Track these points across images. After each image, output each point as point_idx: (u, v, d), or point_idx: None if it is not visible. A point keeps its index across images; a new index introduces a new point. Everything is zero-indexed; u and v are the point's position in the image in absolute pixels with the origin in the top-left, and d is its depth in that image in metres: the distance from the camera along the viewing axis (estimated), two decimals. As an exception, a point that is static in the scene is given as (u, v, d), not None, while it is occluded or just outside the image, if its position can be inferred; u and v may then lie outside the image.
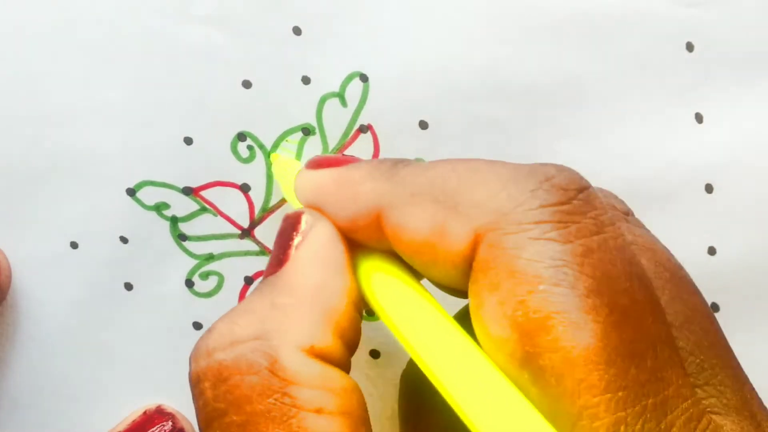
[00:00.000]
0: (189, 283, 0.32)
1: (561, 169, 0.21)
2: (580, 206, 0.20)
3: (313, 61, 0.31)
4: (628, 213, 0.23)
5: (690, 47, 0.31)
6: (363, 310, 0.23)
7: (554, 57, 0.31)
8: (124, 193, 0.31)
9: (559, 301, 0.18)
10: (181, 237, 0.32)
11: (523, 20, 0.31)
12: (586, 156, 0.31)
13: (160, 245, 0.32)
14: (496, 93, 0.31)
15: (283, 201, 0.32)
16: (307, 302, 0.22)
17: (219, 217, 0.32)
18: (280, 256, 0.23)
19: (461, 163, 0.22)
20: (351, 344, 0.22)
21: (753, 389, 0.21)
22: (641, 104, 0.31)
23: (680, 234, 0.32)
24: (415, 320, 0.21)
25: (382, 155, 0.31)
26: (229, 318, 0.22)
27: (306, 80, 0.31)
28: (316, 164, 0.25)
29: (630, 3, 0.31)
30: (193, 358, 0.22)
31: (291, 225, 0.24)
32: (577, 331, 0.18)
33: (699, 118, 0.31)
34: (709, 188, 0.31)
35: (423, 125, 0.31)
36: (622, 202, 0.23)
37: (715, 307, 0.32)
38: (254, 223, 0.32)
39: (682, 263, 0.31)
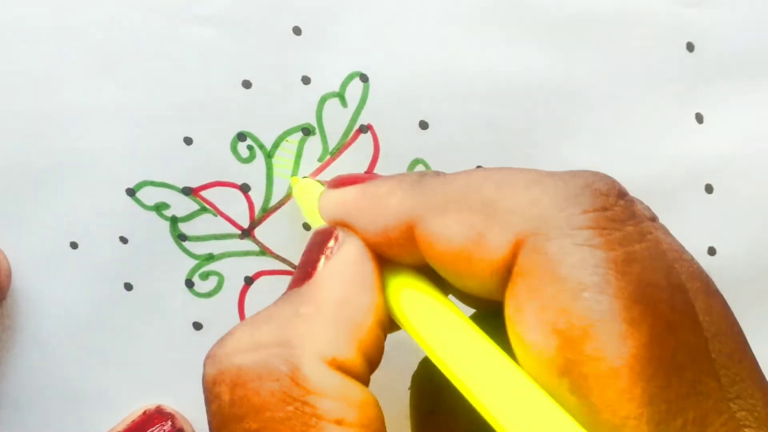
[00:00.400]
0: (189, 283, 0.32)
1: (599, 175, 0.21)
2: (621, 213, 0.20)
3: (313, 61, 0.31)
4: (654, 219, 0.23)
5: (690, 47, 0.31)
6: (387, 329, 0.23)
7: (554, 57, 0.31)
8: (124, 193, 0.31)
9: (603, 309, 0.18)
10: (181, 237, 0.32)
11: (523, 20, 0.31)
12: (586, 156, 0.31)
13: (160, 245, 0.32)
14: (496, 93, 0.31)
15: (283, 201, 0.32)
16: (332, 314, 0.21)
17: (219, 217, 0.32)
18: (308, 268, 0.23)
19: (493, 171, 0.21)
20: (373, 361, 0.22)
21: None
22: (641, 104, 0.31)
23: (680, 234, 0.31)
24: (446, 336, 0.21)
25: (382, 155, 0.31)
26: (251, 323, 0.22)
27: (306, 80, 0.31)
28: (339, 183, 0.25)
29: (630, 3, 0.31)
30: (209, 360, 0.21)
31: (321, 239, 0.24)
32: (621, 341, 0.18)
33: (699, 118, 0.31)
34: (709, 188, 0.31)
35: (423, 125, 0.31)
36: (647, 207, 0.23)
37: (715, 307, 0.32)
38: (254, 223, 0.32)
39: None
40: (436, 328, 0.21)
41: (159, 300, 0.32)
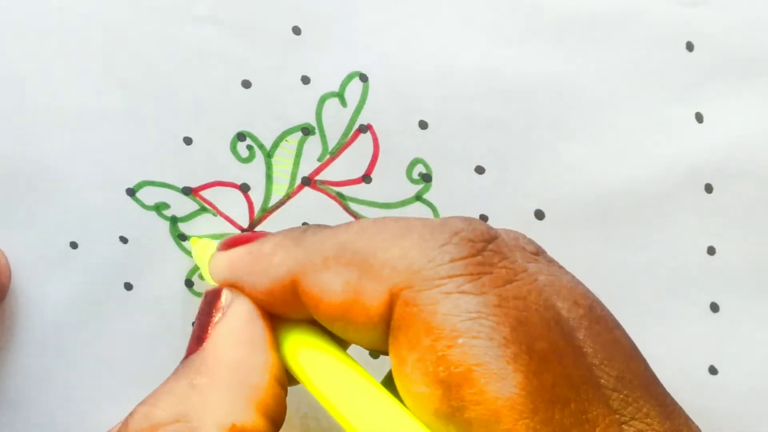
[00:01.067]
0: (189, 283, 0.32)
1: (468, 221, 0.21)
2: (490, 256, 0.20)
3: (312, 61, 0.31)
4: (538, 253, 0.23)
5: (690, 47, 0.31)
6: (287, 384, 0.23)
7: (554, 57, 0.31)
8: (124, 193, 0.31)
9: (479, 353, 0.18)
10: (181, 237, 0.32)
11: (523, 20, 0.31)
12: (585, 155, 0.31)
13: (160, 245, 0.32)
14: (496, 93, 0.31)
15: (283, 201, 0.32)
16: (226, 380, 0.22)
17: (219, 217, 0.32)
18: (200, 334, 0.23)
19: (370, 224, 0.22)
20: (276, 420, 0.22)
21: (681, 413, 0.21)
22: (641, 104, 0.31)
23: (680, 234, 0.32)
24: (341, 389, 0.21)
25: (381, 155, 0.31)
26: (150, 401, 0.22)
27: (306, 80, 0.31)
28: (228, 245, 0.25)
29: (630, 3, 0.31)
30: None
31: (210, 302, 0.24)
32: (499, 382, 0.18)
33: (699, 118, 0.31)
34: (709, 188, 0.31)
35: (423, 125, 0.31)
36: (531, 242, 0.23)
37: (715, 307, 0.32)
38: (254, 223, 0.32)
39: (681, 263, 0.32)
40: (330, 380, 0.21)
41: (159, 300, 0.32)
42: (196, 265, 0.32)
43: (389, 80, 0.31)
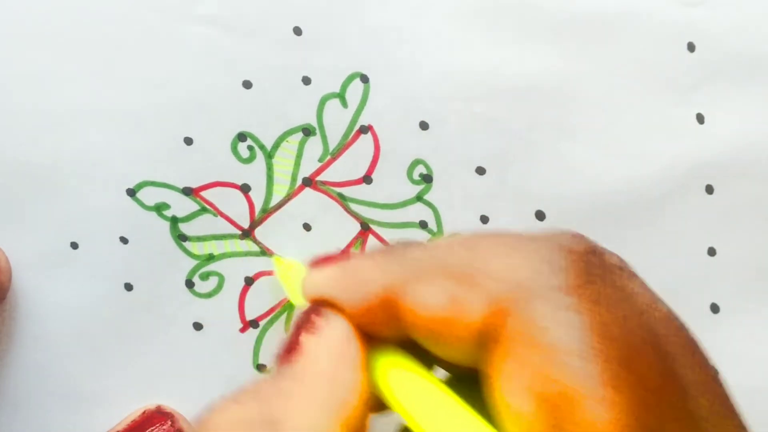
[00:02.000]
0: (189, 284, 0.32)
1: (574, 236, 0.21)
2: (596, 274, 0.20)
3: (313, 62, 0.31)
4: (633, 275, 0.23)
5: (691, 47, 0.31)
6: (372, 408, 0.23)
7: (554, 57, 0.31)
8: (124, 194, 0.31)
9: (582, 373, 0.18)
10: (181, 237, 0.32)
11: (523, 20, 0.31)
12: (586, 156, 0.31)
13: (160, 245, 0.32)
14: (496, 93, 0.31)
15: (283, 201, 0.32)
16: (316, 392, 0.22)
17: (219, 217, 0.32)
18: (293, 346, 0.23)
19: (469, 238, 0.22)
20: None
21: None
22: (641, 104, 0.31)
23: (680, 234, 0.32)
24: (433, 412, 0.21)
25: (382, 155, 0.31)
26: (238, 398, 0.22)
27: (306, 80, 0.31)
28: (320, 263, 0.25)
29: (630, 3, 0.31)
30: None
31: (306, 318, 0.24)
32: (600, 405, 0.18)
33: (700, 118, 0.31)
34: (709, 189, 0.31)
35: (423, 125, 0.31)
36: (621, 260, 0.23)
37: (715, 308, 0.32)
38: (254, 223, 0.32)
39: (681, 263, 0.32)
40: (421, 404, 0.21)
41: (159, 300, 0.32)
42: (196, 266, 0.32)
43: (390, 81, 0.31)
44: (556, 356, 0.18)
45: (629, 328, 0.19)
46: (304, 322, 0.24)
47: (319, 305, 0.24)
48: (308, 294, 0.25)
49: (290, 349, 0.23)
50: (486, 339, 0.20)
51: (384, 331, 0.23)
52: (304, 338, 0.23)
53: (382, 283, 0.22)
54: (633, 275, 0.22)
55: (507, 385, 0.19)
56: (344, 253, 0.26)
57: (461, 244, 0.21)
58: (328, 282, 0.24)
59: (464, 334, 0.20)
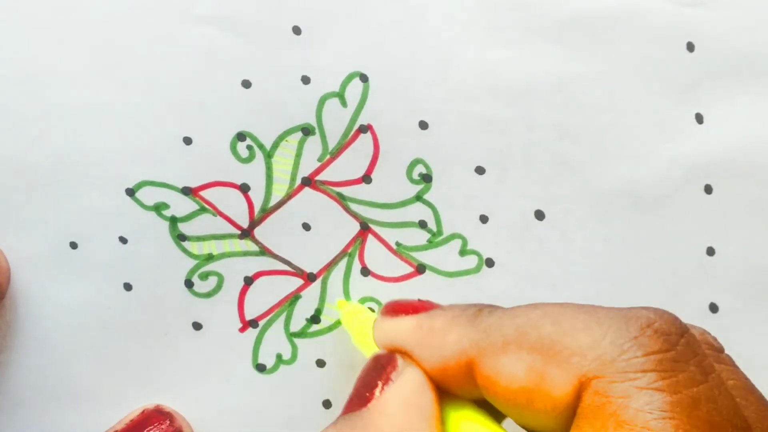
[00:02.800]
0: (188, 284, 0.32)
1: (660, 313, 0.21)
2: (683, 353, 0.20)
3: (313, 61, 0.31)
4: (721, 350, 0.23)
5: (690, 47, 0.31)
6: None
7: (554, 57, 0.31)
8: (124, 193, 0.31)
9: None
10: (181, 237, 0.32)
11: (523, 20, 0.31)
12: (586, 156, 0.31)
13: (160, 245, 0.32)
14: (496, 93, 0.31)
15: (283, 201, 0.32)
16: None
17: (218, 217, 0.32)
18: (365, 393, 0.23)
19: (552, 308, 0.22)
20: None
21: None
22: (641, 104, 0.31)
23: (680, 234, 0.32)
24: None
25: (381, 155, 0.31)
26: None
27: (306, 80, 0.31)
28: (393, 310, 0.25)
29: (630, 3, 0.31)
30: None
31: (381, 365, 0.24)
32: None
33: (699, 118, 0.31)
34: (708, 189, 0.31)
35: (423, 125, 0.31)
36: (714, 339, 0.23)
37: (715, 308, 0.32)
38: (254, 223, 0.32)
39: (681, 263, 0.32)
40: None
41: (159, 300, 0.32)
42: (195, 265, 0.32)
43: (389, 80, 0.31)
44: None
45: (716, 410, 0.19)
46: (377, 370, 0.23)
47: (393, 354, 0.24)
48: (380, 342, 0.25)
49: (361, 396, 0.23)
50: (566, 414, 0.20)
51: (458, 390, 0.23)
52: (377, 387, 0.23)
53: (462, 348, 0.22)
54: (721, 351, 0.22)
55: None
56: (420, 304, 0.26)
57: (545, 316, 0.21)
58: (403, 336, 0.24)
59: (545, 408, 0.21)
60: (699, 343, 0.21)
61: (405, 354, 0.24)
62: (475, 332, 0.22)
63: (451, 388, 0.23)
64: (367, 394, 0.23)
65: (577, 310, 0.21)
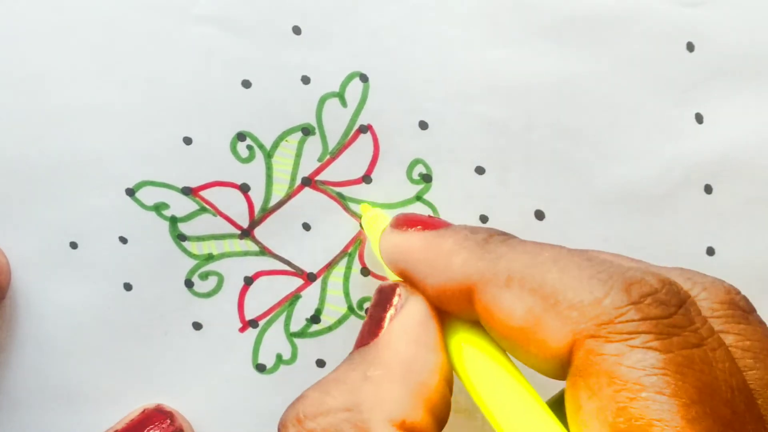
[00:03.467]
0: (188, 284, 0.32)
1: (663, 282, 0.21)
2: (679, 320, 0.20)
3: (312, 61, 0.31)
4: (749, 311, 0.23)
5: (690, 47, 0.31)
6: (453, 385, 0.23)
7: (554, 57, 0.31)
8: (124, 193, 0.31)
9: (661, 409, 0.19)
10: (181, 237, 0.32)
11: (523, 20, 0.31)
12: (586, 156, 0.31)
13: (160, 245, 0.32)
14: (496, 93, 0.31)
15: (283, 201, 0.32)
16: (399, 376, 0.22)
17: (218, 217, 0.32)
18: (373, 328, 0.23)
19: (562, 255, 0.22)
20: (441, 420, 0.22)
21: None
22: (641, 104, 0.31)
23: (679, 234, 0.32)
24: (501, 397, 0.21)
25: (381, 155, 0.31)
26: (321, 387, 0.22)
27: (306, 80, 0.31)
28: (402, 223, 0.25)
29: (630, 3, 0.31)
30: (282, 425, 0.22)
31: (384, 298, 0.24)
32: None
33: (699, 118, 0.31)
34: (708, 189, 0.31)
35: (423, 125, 0.31)
36: (744, 298, 0.23)
37: (715, 308, 0.32)
38: (254, 223, 0.32)
39: (680, 263, 0.31)
40: (494, 389, 0.21)
41: (159, 300, 0.32)
42: (195, 265, 0.32)
43: (389, 80, 0.31)
44: (631, 391, 0.19)
45: (710, 370, 0.19)
46: (384, 303, 0.24)
47: (395, 285, 0.24)
48: (385, 255, 0.25)
49: (370, 331, 0.23)
50: (558, 363, 0.21)
51: (458, 313, 0.23)
52: (385, 320, 0.23)
53: (465, 273, 0.22)
54: (749, 311, 0.22)
55: (583, 416, 0.20)
56: (430, 220, 0.25)
57: (553, 260, 0.21)
58: (408, 251, 0.24)
59: (538, 352, 0.21)
60: (699, 312, 0.21)
61: (407, 277, 0.24)
62: (481, 260, 0.22)
63: (449, 310, 0.23)
64: (375, 329, 0.23)
65: (586, 264, 0.21)
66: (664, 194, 0.31)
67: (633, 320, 0.20)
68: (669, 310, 0.20)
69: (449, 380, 0.23)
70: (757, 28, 0.31)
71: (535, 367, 0.22)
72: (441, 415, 0.22)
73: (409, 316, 0.23)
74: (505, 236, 0.23)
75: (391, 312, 0.23)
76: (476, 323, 0.23)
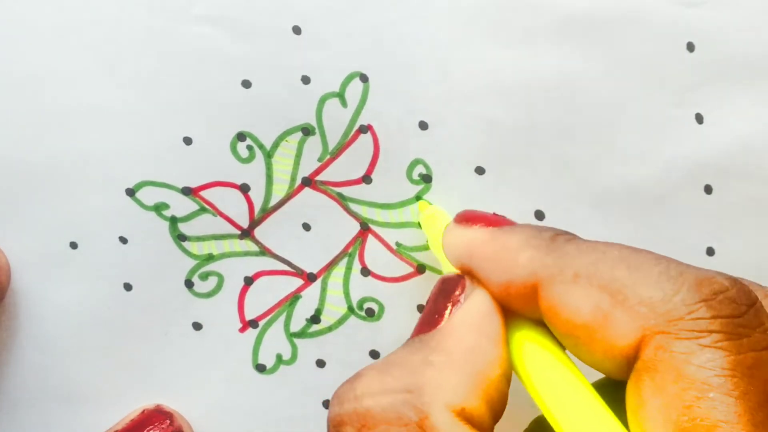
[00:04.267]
0: (188, 284, 0.32)
1: (734, 281, 0.21)
2: (750, 320, 0.20)
3: (313, 61, 0.31)
4: None
5: (690, 47, 0.31)
6: (510, 382, 0.23)
7: (554, 57, 0.31)
8: (124, 193, 0.31)
9: (728, 411, 0.19)
10: (181, 237, 0.32)
11: (523, 20, 0.31)
12: (586, 156, 0.31)
13: (160, 245, 0.32)
14: (496, 93, 0.31)
15: (283, 201, 0.32)
16: (461, 364, 0.22)
17: (218, 217, 0.32)
18: (434, 316, 0.23)
19: (630, 253, 0.22)
20: (497, 413, 0.22)
21: None
22: (641, 104, 0.31)
23: (679, 234, 0.32)
24: (564, 398, 0.21)
25: (382, 155, 0.31)
26: (381, 367, 0.22)
27: (306, 80, 0.31)
28: (466, 219, 0.25)
29: (630, 3, 0.31)
30: (337, 399, 0.22)
31: (448, 288, 0.24)
32: None
33: (699, 118, 0.31)
34: (708, 189, 0.31)
35: (423, 125, 0.31)
36: None
37: (715, 308, 0.32)
38: (254, 223, 0.32)
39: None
40: (555, 388, 0.21)
41: (159, 300, 0.32)
42: (195, 265, 0.32)
43: (389, 80, 0.31)
44: (698, 391, 0.19)
45: None
46: (447, 293, 0.24)
47: (460, 276, 0.24)
48: (449, 250, 0.25)
49: (431, 317, 0.23)
50: (624, 360, 0.20)
51: (521, 311, 0.23)
52: (446, 310, 0.23)
53: (531, 270, 0.22)
54: None
55: (647, 413, 0.20)
56: (495, 217, 0.25)
57: (621, 258, 0.21)
58: (473, 247, 0.24)
59: (604, 348, 0.21)
60: (764, 312, 0.21)
61: (471, 273, 0.24)
62: (547, 257, 0.22)
63: (512, 308, 0.23)
64: (436, 318, 0.23)
65: (654, 261, 0.21)
66: (664, 194, 0.31)
67: (703, 318, 0.20)
68: (740, 309, 0.20)
69: (508, 376, 0.23)
70: (758, 28, 0.31)
71: (596, 365, 0.21)
72: (497, 408, 0.22)
73: (473, 306, 0.23)
74: (571, 236, 0.23)
75: (453, 303, 0.23)
76: (539, 322, 0.23)
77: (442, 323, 0.23)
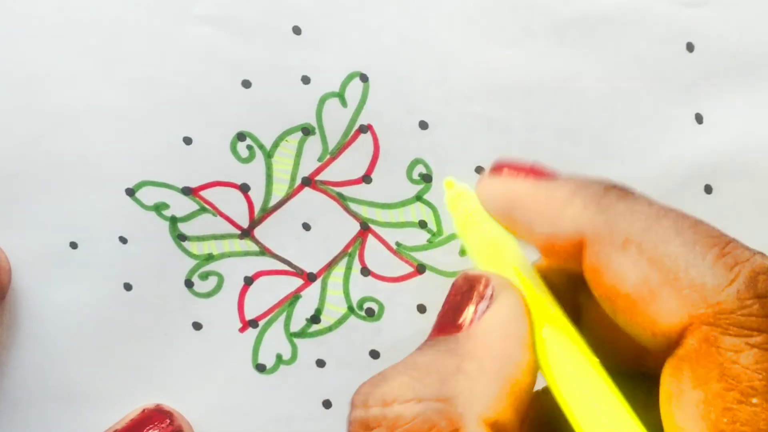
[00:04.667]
0: (188, 284, 0.32)
1: None
2: None
3: (313, 61, 0.31)
4: None
5: (690, 47, 0.31)
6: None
7: (554, 57, 0.31)
8: (124, 193, 0.31)
9: (766, 416, 0.18)
10: (181, 237, 0.32)
11: (523, 20, 0.31)
12: (586, 156, 0.31)
13: (160, 245, 0.32)
14: (496, 93, 0.31)
15: (283, 201, 0.32)
16: (494, 373, 0.21)
17: (218, 217, 0.32)
18: (457, 317, 0.22)
19: (685, 225, 0.20)
20: (523, 418, 0.21)
21: None
22: (641, 104, 0.31)
23: (680, 234, 0.32)
24: (590, 402, 0.20)
25: (381, 155, 0.31)
26: (412, 373, 0.21)
27: (306, 80, 0.31)
28: (504, 168, 0.23)
29: (630, 3, 0.31)
30: (361, 402, 0.21)
31: (473, 287, 0.23)
32: None
33: (699, 118, 0.31)
34: (708, 189, 0.31)
35: (423, 125, 0.31)
36: None
37: (715, 308, 0.32)
38: (254, 223, 0.32)
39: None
40: (581, 387, 0.21)
41: (159, 300, 0.32)
42: (195, 265, 0.32)
43: (389, 80, 0.31)
44: (742, 393, 0.18)
45: None
46: (469, 291, 0.22)
47: (485, 274, 0.23)
48: (486, 203, 0.23)
49: (453, 319, 0.22)
50: (664, 341, 0.19)
51: (557, 263, 0.22)
52: (468, 308, 0.22)
53: (578, 227, 0.21)
54: None
55: (684, 407, 0.19)
56: (539, 168, 0.23)
57: (677, 231, 0.20)
58: (515, 197, 0.23)
59: (644, 325, 0.20)
60: None
61: (512, 228, 0.22)
62: (597, 215, 0.21)
63: (555, 262, 0.22)
64: (459, 316, 0.22)
65: (711, 240, 0.20)
66: (664, 194, 0.31)
67: (756, 316, 0.19)
68: None
69: (536, 380, 0.22)
70: (757, 28, 0.31)
71: (630, 330, 0.20)
72: (524, 414, 0.21)
73: (504, 309, 0.22)
74: (624, 192, 0.21)
75: (483, 305, 0.22)
76: (560, 318, 0.22)
77: (473, 326, 0.22)
